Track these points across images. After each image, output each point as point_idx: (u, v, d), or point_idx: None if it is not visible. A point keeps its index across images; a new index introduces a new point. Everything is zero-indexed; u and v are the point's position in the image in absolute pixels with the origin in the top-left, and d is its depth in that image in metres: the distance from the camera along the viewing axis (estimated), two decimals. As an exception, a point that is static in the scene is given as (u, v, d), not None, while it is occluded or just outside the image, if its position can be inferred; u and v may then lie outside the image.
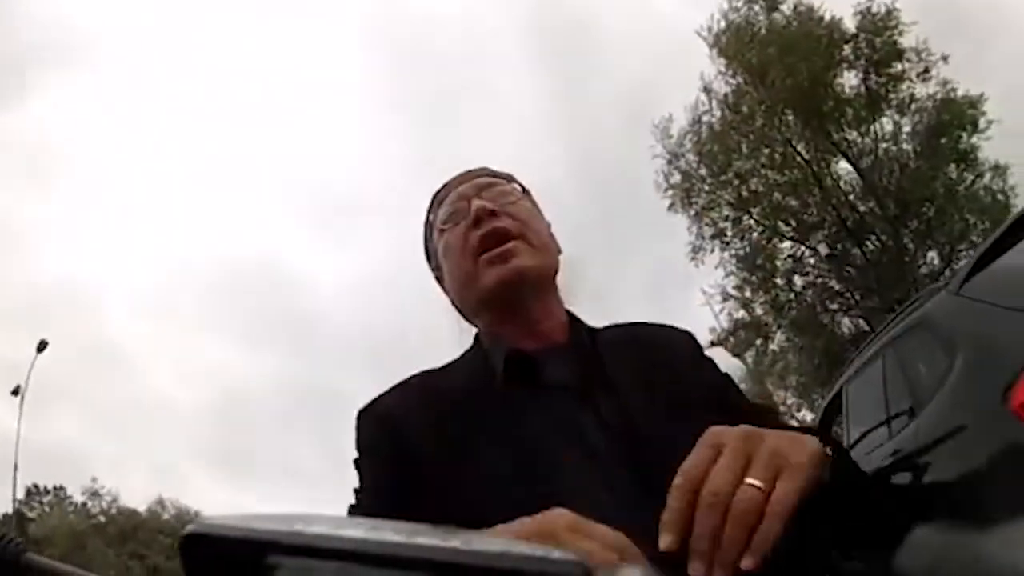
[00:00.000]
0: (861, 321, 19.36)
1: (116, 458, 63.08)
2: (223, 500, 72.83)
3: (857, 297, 19.20)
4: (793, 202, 20.44)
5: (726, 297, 21.21)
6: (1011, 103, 20.04)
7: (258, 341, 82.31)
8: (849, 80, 20.01)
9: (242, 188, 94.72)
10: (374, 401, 1.12)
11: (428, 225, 1.25)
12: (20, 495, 33.31)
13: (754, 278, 21.00)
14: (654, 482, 0.79)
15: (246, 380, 76.23)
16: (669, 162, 21.09)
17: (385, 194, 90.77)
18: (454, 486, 0.98)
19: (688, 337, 1.20)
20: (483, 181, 1.19)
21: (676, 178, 21.08)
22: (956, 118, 18.98)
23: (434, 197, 1.24)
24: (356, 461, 1.10)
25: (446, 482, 0.98)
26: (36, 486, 43.82)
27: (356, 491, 1.08)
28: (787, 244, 20.98)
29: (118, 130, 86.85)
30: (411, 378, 1.14)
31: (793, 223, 20.54)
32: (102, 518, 38.09)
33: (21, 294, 62.66)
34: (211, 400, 77.37)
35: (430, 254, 1.26)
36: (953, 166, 19.51)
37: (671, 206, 21.12)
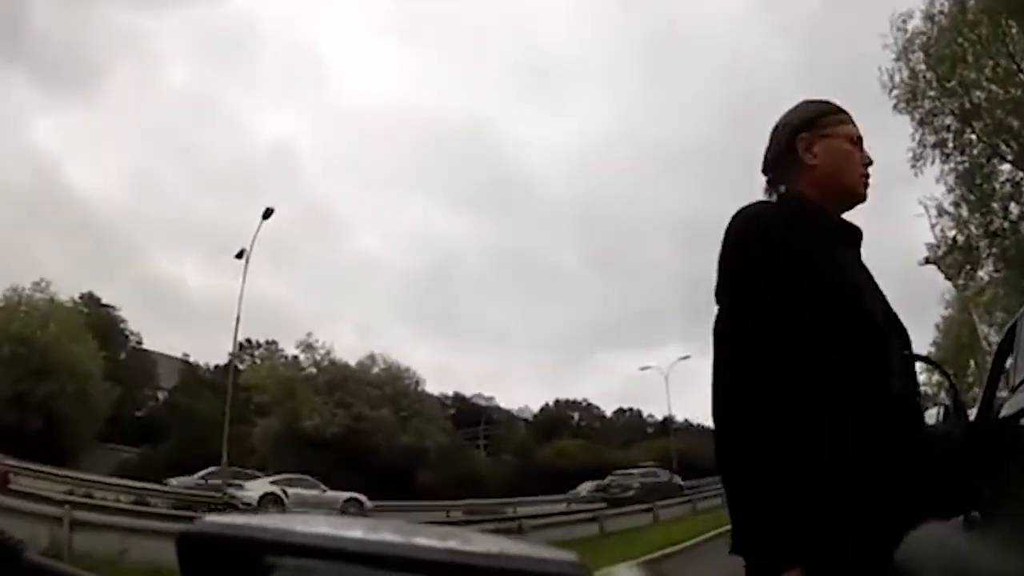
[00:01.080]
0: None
1: (330, 315, 67.35)
2: (429, 358, 76.25)
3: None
4: (1014, 122, 18.83)
5: (941, 212, 20.50)
6: None
7: (468, 205, 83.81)
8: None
9: (453, 49, 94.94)
10: (747, 209, 1.70)
11: (822, 114, 1.84)
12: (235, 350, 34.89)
13: (972, 197, 19.90)
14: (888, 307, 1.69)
15: (454, 243, 76.88)
16: (897, 58, 20.13)
17: (598, 62, 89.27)
18: (830, 281, 1.59)
19: None
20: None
21: (904, 74, 20.13)
22: None
23: (829, 106, 1.87)
24: (738, 257, 1.63)
25: (809, 279, 1.56)
26: (249, 340, 46.19)
27: (740, 284, 1.59)
28: (1006, 167, 19.53)
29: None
30: (762, 203, 1.80)
31: (1014, 145, 19.00)
32: (313, 370, 39.03)
33: (238, 163, 67.44)
34: (420, 262, 79.02)
35: (810, 125, 1.82)
36: None
37: (896, 106, 20.21)
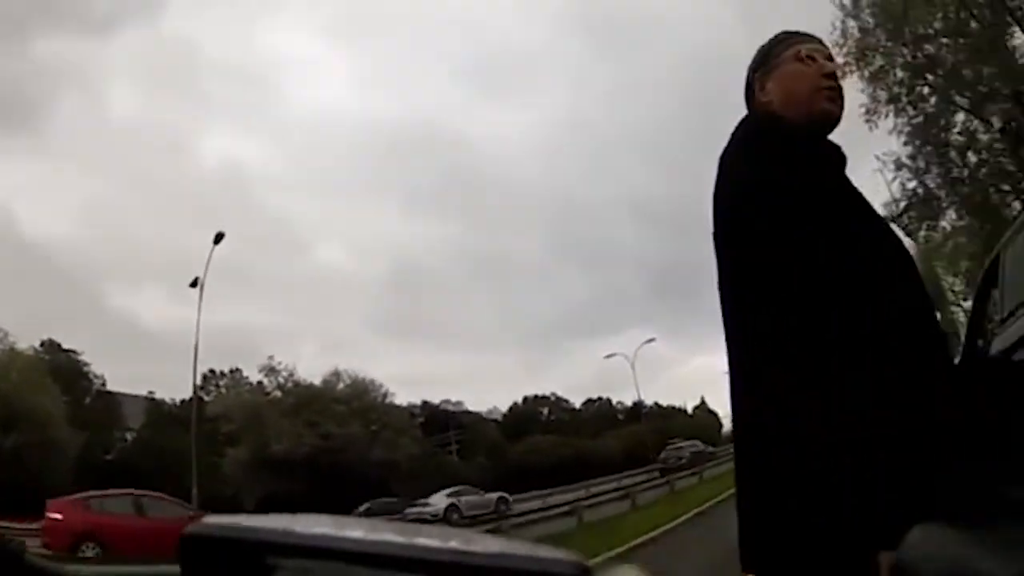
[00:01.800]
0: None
1: (292, 334, 65.90)
2: (397, 368, 75.53)
3: (1029, 180, 17.67)
4: (968, 72, 18.84)
5: (899, 166, 20.51)
6: None
7: (426, 208, 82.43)
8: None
9: (397, 46, 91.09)
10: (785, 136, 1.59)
11: (772, 46, 1.73)
12: (199, 381, 34.87)
13: (928, 148, 19.97)
14: None
15: (416, 248, 75.72)
16: (847, 15, 19.91)
17: (546, 52, 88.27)
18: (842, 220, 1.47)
19: None
20: (828, 51, 1.73)
21: (855, 30, 19.88)
22: None
23: (779, 35, 1.75)
24: (791, 184, 1.48)
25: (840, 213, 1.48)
26: (212, 371, 46.19)
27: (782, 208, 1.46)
28: (961, 116, 19.64)
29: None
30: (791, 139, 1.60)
31: (968, 94, 19.01)
32: (278, 393, 39.40)
33: (189, 187, 66.09)
34: (382, 270, 77.67)
35: (763, 61, 1.73)
36: None
37: (846, 64, 19.70)
